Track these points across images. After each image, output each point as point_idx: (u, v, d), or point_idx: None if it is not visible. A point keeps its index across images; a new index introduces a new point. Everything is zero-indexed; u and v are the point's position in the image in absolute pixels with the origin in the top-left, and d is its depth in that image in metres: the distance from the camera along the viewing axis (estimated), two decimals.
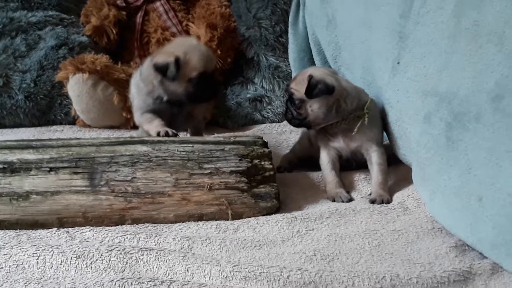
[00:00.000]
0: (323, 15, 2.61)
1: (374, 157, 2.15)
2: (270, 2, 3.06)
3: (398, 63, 2.02)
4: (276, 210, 1.98)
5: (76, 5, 3.14)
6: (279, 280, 1.52)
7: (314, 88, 2.06)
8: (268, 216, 1.93)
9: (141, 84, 2.23)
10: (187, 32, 3.11)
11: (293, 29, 2.98)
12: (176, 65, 2.08)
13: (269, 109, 3.03)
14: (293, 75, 2.98)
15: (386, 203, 2.04)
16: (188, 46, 2.16)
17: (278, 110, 3.01)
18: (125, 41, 3.15)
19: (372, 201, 2.06)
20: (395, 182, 2.22)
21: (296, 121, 2.15)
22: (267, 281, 1.52)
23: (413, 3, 1.96)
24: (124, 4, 3.12)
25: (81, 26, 3.08)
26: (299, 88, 2.10)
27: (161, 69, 2.11)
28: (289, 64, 3.03)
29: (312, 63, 2.91)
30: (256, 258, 1.65)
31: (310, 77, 2.07)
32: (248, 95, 3.03)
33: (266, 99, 3.04)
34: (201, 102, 2.25)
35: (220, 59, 3.00)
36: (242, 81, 3.10)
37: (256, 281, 1.52)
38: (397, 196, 2.11)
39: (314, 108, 2.09)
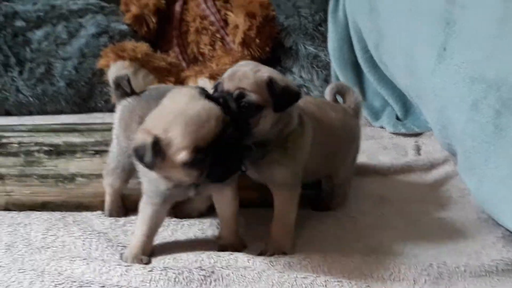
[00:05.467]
0: (365, 3, 2.59)
1: (276, 200, 1.63)
2: None
3: (445, 49, 1.98)
4: None
5: None
6: (323, 265, 1.52)
7: (283, 98, 1.53)
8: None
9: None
10: (226, 21, 3.11)
11: (333, 17, 2.96)
12: (154, 148, 1.38)
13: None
14: (333, 64, 2.96)
15: (280, 254, 1.58)
16: (171, 115, 1.40)
17: None
18: (164, 30, 3.15)
19: (261, 253, 1.60)
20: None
21: (243, 131, 1.51)
22: (311, 267, 1.52)
23: None
24: None
25: (121, 14, 3.10)
26: (255, 91, 1.50)
27: (138, 155, 1.41)
28: (328, 53, 3.00)
29: (352, 51, 2.89)
30: (298, 245, 1.65)
31: (271, 80, 1.52)
32: None
33: (305, 89, 3.00)
34: (222, 180, 1.49)
35: (259, 48, 2.98)
36: (280, 70, 3.05)
37: (300, 266, 1.52)
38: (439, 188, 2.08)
39: (268, 119, 1.53)
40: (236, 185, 1.61)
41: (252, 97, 1.50)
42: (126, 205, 1.83)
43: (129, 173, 1.73)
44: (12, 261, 1.56)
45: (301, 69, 3.03)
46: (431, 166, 2.20)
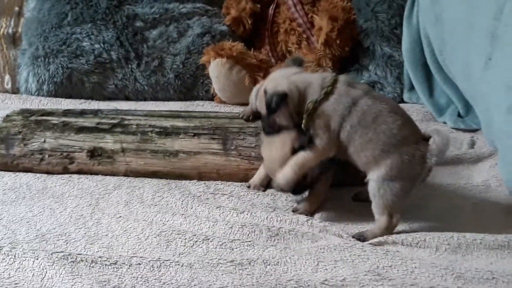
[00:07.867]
0: (432, 13, 2.87)
1: None
2: None
3: (490, 59, 2.27)
4: None
5: None
6: None
7: (270, 104, 1.86)
8: None
9: None
10: (312, 23, 3.44)
11: (407, 22, 3.21)
12: None
13: (381, 94, 3.28)
14: (406, 64, 3.23)
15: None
16: None
17: (389, 95, 3.25)
18: (258, 30, 3.52)
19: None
20: None
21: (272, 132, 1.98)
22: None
23: (504, 7, 2.20)
24: None
25: (222, 17, 3.50)
26: (262, 105, 1.95)
27: None
28: (401, 54, 3.27)
29: (422, 53, 3.14)
30: None
31: (265, 92, 1.90)
32: (362, 81, 3.29)
33: (379, 85, 3.29)
34: None
35: (339, 48, 3.29)
36: (357, 68, 3.38)
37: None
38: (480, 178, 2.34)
39: (280, 118, 1.92)
40: None
41: (262, 111, 1.95)
42: None
43: None
44: (129, 213, 2.00)
45: (376, 67, 3.33)
46: (478, 159, 2.47)
